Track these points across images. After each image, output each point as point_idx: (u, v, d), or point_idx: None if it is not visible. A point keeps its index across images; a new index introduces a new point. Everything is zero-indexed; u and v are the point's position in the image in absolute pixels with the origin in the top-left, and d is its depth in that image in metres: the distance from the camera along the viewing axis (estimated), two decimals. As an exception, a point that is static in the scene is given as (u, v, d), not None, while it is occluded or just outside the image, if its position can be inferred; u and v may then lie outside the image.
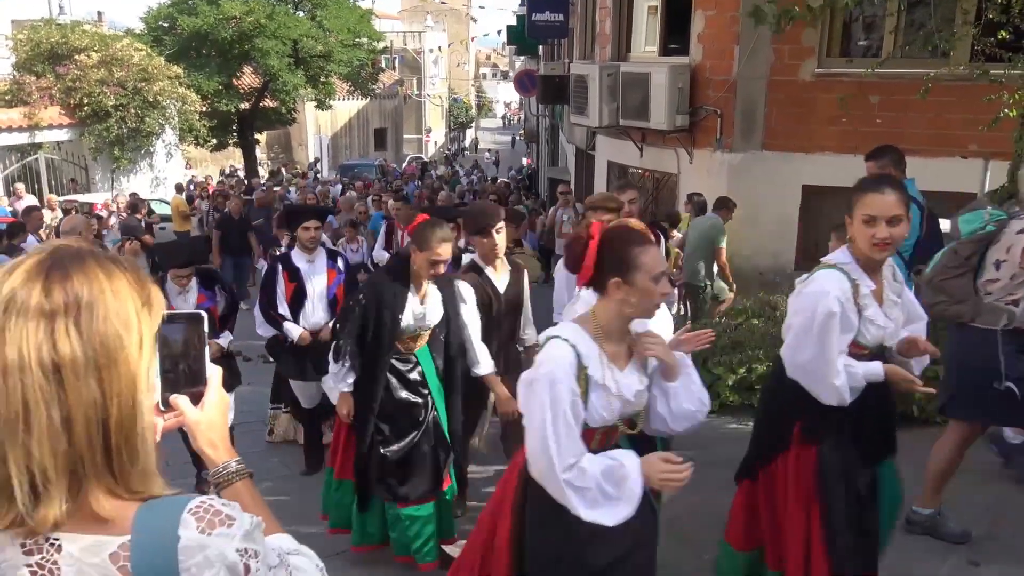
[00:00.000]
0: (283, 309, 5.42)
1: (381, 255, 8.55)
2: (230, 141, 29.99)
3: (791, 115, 8.77)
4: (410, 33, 51.26)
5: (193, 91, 22.99)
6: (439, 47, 49.82)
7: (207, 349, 1.26)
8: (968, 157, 7.91)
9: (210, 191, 19.57)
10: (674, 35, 10.03)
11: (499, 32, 27.53)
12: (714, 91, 9.10)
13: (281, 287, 5.42)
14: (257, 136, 31.92)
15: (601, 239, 2.37)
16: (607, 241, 2.37)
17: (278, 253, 6.99)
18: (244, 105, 28.83)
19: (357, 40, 30.38)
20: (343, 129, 43.08)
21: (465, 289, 4.11)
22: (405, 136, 49.00)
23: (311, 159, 38.15)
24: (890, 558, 3.20)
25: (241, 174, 29.20)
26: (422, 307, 3.95)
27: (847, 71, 8.34)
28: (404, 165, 36.50)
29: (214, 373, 1.27)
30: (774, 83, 8.81)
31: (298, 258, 5.48)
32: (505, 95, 73.00)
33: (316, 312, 5.47)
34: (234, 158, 33.50)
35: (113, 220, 13.50)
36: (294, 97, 28.85)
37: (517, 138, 52.73)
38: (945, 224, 5.91)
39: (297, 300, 5.42)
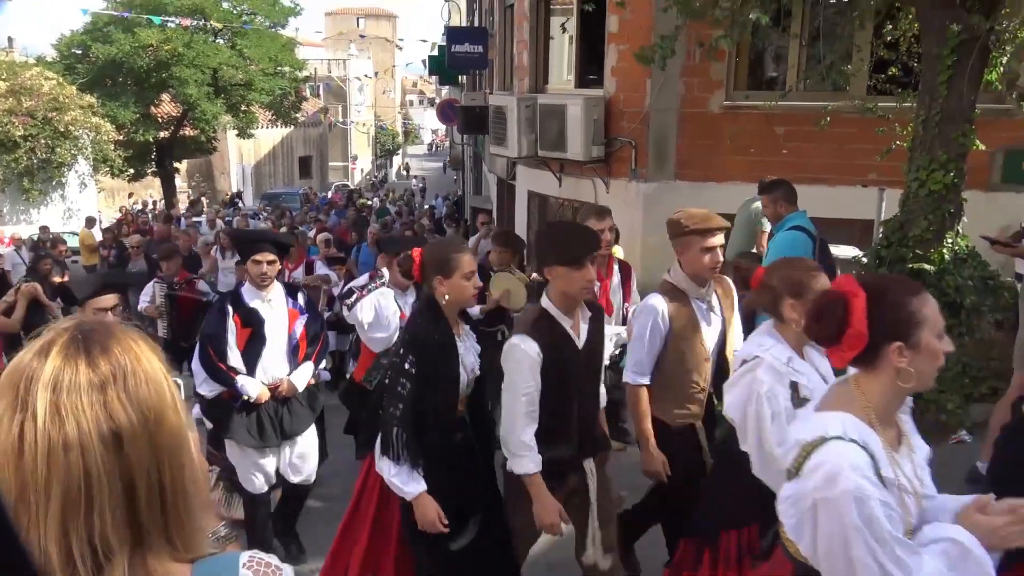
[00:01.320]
0: (235, 360, 4.41)
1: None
2: (148, 171, 29.27)
3: (701, 146, 9.03)
4: (335, 61, 51.04)
5: (108, 120, 22.43)
6: (364, 75, 49.68)
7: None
8: (867, 185, 8.26)
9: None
10: (592, 66, 10.24)
11: (423, 62, 27.62)
12: (628, 122, 9.31)
13: (232, 333, 4.42)
14: (177, 165, 31.25)
15: (870, 293, 1.83)
16: (879, 295, 1.83)
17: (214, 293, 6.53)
18: (163, 134, 28.23)
19: (279, 68, 30.10)
20: (267, 157, 42.48)
21: (521, 353, 2.99)
22: (331, 164, 48.60)
23: (234, 188, 37.48)
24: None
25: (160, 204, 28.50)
26: (470, 357, 3.25)
27: (753, 104, 8.65)
28: (330, 193, 36.14)
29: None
30: (685, 115, 9.07)
31: (251, 296, 4.47)
32: (432, 122, 73.19)
33: (276, 363, 4.51)
34: (153, 188, 32.70)
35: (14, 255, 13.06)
36: (214, 126, 28.35)
37: (447, 164, 52.91)
38: (833, 251, 6.19)
39: (252, 349, 4.45)
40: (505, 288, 5.40)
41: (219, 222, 18.08)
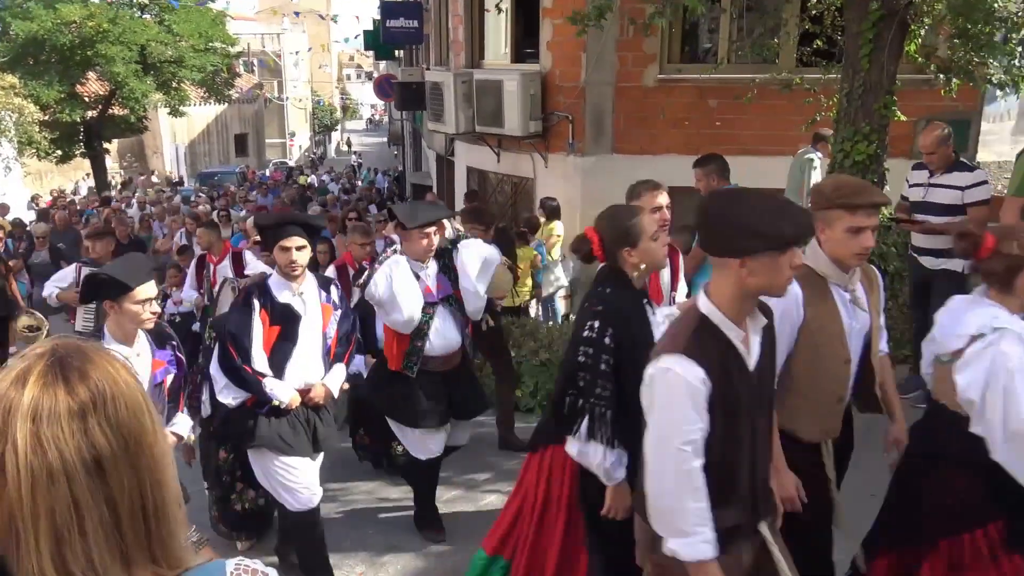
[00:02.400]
0: (261, 363, 3.90)
1: (190, 295, 7.27)
2: (76, 152, 28.27)
3: (637, 119, 9.14)
4: (268, 35, 49.86)
5: (32, 101, 21.59)
6: (298, 51, 48.69)
7: None
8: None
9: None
10: (528, 40, 10.24)
11: (356, 37, 27.20)
12: (564, 97, 9.36)
13: (258, 332, 3.90)
14: (107, 145, 30.25)
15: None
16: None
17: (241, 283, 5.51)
18: (90, 114, 27.27)
19: (210, 44, 29.27)
20: (201, 136, 41.41)
21: (677, 381, 2.16)
22: (268, 141, 47.60)
23: (167, 168, 36.54)
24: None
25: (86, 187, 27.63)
26: (661, 328, 2.85)
27: (686, 76, 8.78)
28: (270, 171, 35.46)
29: None
30: (620, 89, 9.16)
31: (279, 289, 3.96)
32: (371, 97, 72.11)
33: (308, 366, 4.02)
34: (83, 169, 31.68)
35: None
36: (144, 104, 27.48)
37: (389, 140, 52.30)
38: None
39: (281, 350, 3.95)
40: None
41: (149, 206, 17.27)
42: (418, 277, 4.32)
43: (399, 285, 4.20)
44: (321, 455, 4.22)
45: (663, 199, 4.00)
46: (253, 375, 3.86)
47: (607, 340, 2.76)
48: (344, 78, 74.14)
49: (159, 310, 3.47)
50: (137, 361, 3.39)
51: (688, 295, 5.51)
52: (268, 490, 4.10)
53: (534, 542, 3.29)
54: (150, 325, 3.43)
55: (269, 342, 3.92)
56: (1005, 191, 8.79)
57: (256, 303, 3.91)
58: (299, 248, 3.88)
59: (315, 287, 4.04)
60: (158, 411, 3.01)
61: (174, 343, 3.65)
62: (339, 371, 4.16)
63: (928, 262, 5.52)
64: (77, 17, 24.35)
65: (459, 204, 11.95)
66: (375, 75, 31.45)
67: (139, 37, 26.02)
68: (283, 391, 3.91)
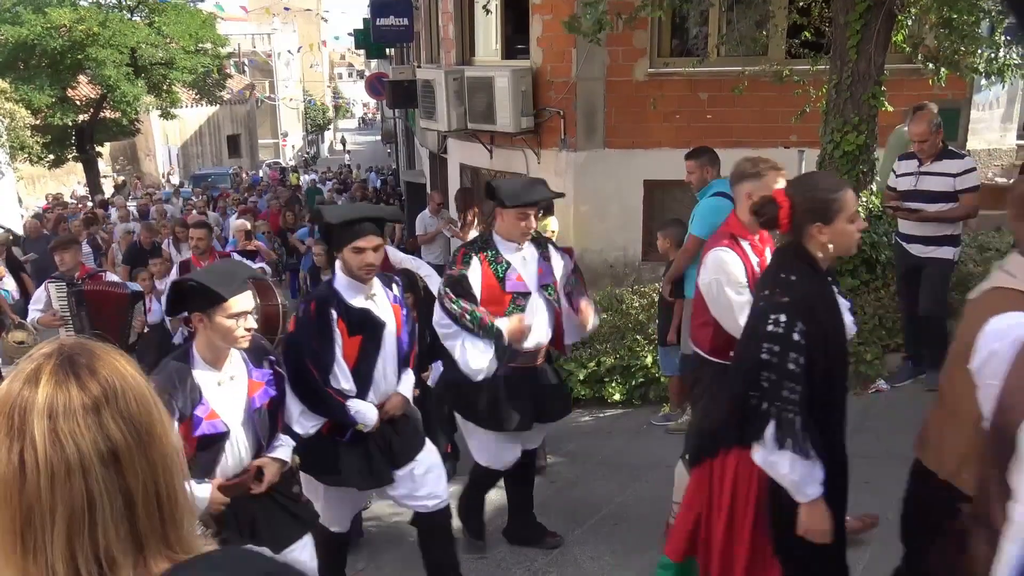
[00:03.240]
0: (345, 380, 3.47)
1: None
2: (69, 156, 28.23)
3: (629, 114, 9.17)
4: (259, 35, 49.73)
5: (23, 106, 21.56)
6: (288, 50, 48.60)
7: None
8: (789, 147, 8.51)
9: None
10: (518, 36, 10.26)
11: (349, 34, 27.18)
12: (556, 93, 9.38)
13: (339, 347, 3.45)
14: (99, 149, 30.21)
15: None
16: None
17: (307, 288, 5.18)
18: (82, 118, 27.24)
19: (200, 46, 29.23)
20: (193, 137, 41.35)
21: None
22: (261, 141, 47.56)
23: (161, 170, 36.47)
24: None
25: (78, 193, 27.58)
26: (848, 316, 2.78)
27: (677, 70, 8.80)
28: (261, 172, 35.39)
29: None
30: (611, 84, 9.18)
31: (351, 293, 3.48)
32: (363, 95, 72.06)
33: (389, 377, 3.62)
34: (76, 174, 31.62)
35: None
36: (136, 107, 27.44)
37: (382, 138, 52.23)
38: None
39: (366, 362, 3.51)
40: None
41: (150, 210, 16.98)
42: (508, 265, 3.89)
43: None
44: (428, 454, 3.80)
45: (783, 183, 3.42)
46: (335, 397, 3.44)
47: (796, 336, 2.46)
48: (336, 77, 74.04)
49: (255, 325, 3.00)
50: (231, 386, 2.99)
51: (682, 289, 5.55)
52: (321, 508, 3.61)
53: (724, 543, 2.92)
54: (245, 344, 2.94)
55: (351, 356, 3.47)
56: (996, 178, 8.86)
57: (333, 313, 3.42)
58: (375, 248, 3.42)
59: (381, 287, 3.60)
60: (262, 436, 3.11)
61: (271, 358, 3.18)
62: (409, 377, 3.78)
63: (917, 250, 5.54)
64: (67, 21, 24.34)
65: (452, 201, 11.97)
66: (367, 73, 31.41)
67: (129, 40, 26.00)
68: (368, 413, 3.49)
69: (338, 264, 3.53)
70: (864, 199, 6.33)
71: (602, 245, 9.33)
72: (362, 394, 3.50)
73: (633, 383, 6.34)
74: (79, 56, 25.16)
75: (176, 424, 2.73)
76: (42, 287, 6.29)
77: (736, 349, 2.86)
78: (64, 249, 6.29)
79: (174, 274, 7.04)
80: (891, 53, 6.32)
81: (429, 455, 3.75)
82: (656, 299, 6.45)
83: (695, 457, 3.02)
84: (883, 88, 6.06)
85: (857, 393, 5.77)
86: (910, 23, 6.27)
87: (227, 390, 3.00)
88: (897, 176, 5.65)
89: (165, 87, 28.78)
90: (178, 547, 1.14)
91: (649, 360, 6.36)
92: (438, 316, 3.86)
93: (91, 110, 27.62)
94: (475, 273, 3.82)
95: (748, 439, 2.59)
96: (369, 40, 17.41)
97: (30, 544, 1.05)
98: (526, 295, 3.88)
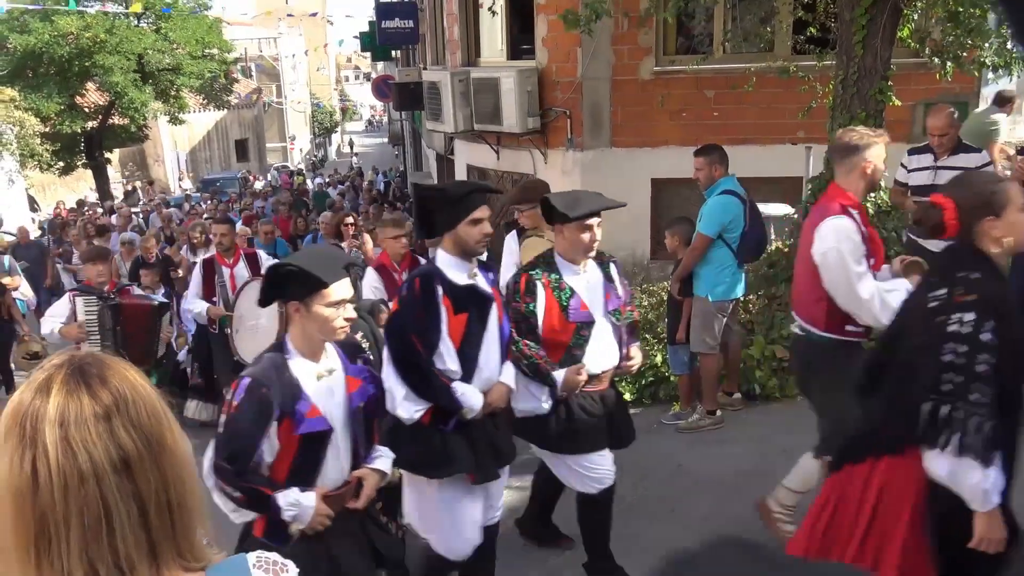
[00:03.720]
0: (451, 361, 3.27)
1: (198, 306, 6.71)
2: (78, 163, 28.41)
3: (635, 112, 9.17)
4: (265, 40, 49.87)
5: (32, 113, 21.71)
6: (294, 53, 48.74)
7: None
8: (796, 143, 8.49)
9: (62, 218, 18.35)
10: (523, 36, 10.27)
11: (355, 37, 27.26)
12: (562, 92, 9.38)
13: (445, 324, 3.25)
14: (108, 155, 30.38)
15: None
16: None
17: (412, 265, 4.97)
18: (91, 124, 27.40)
19: (207, 51, 29.35)
20: (202, 142, 41.49)
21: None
22: (268, 145, 47.68)
23: (170, 176, 36.62)
24: None
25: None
26: None
27: (682, 68, 8.79)
28: (272, 176, 35.45)
29: None
30: (617, 83, 9.18)
31: (455, 271, 3.30)
32: (370, 97, 72.15)
33: (492, 362, 3.40)
34: (86, 180, 31.80)
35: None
36: (144, 113, 27.59)
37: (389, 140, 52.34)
38: (766, 208, 6.39)
39: (472, 342, 3.31)
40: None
41: (153, 217, 16.85)
42: (572, 292, 3.56)
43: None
44: (506, 471, 3.61)
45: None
46: (440, 378, 3.24)
47: (986, 335, 2.35)
48: (342, 80, 74.19)
49: (354, 315, 2.80)
50: (329, 381, 2.75)
51: (691, 287, 5.55)
52: (418, 524, 3.49)
53: (873, 549, 2.75)
54: (342, 335, 2.74)
55: (456, 335, 3.26)
56: (1005, 171, 8.80)
57: (439, 289, 3.22)
58: (489, 219, 3.31)
59: (479, 269, 3.40)
60: (360, 442, 2.84)
61: (365, 355, 3.00)
62: (511, 368, 3.52)
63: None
64: (74, 29, 24.47)
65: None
66: (373, 76, 31.47)
67: (136, 46, 26.14)
68: (473, 398, 3.27)
69: (443, 244, 3.35)
70: (872, 195, 6.31)
71: (610, 244, 9.18)
72: (466, 378, 3.28)
73: (643, 382, 6.33)
74: (87, 63, 25.31)
75: (275, 424, 2.60)
76: (65, 298, 5.91)
77: (897, 352, 2.70)
78: (98, 261, 5.90)
79: (197, 273, 6.83)
80: (897, 48, 6.29)
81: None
82: (665, 298, 6.44)
83: (839, 460, 2.87)
84: (890, 83, 6.04)
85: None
86: (916, 17, 6.25)
87: (326, 385, 2.73)
88: (909, 171, 5.61)
89: (173, 93, 28.92)
90: (190, 556, 1.15)
91: (659, 359, 6.35)
92: None
93: (100, 117, 27.78)
94: (540, 304, 3.54)
95: (924, 445, 2.45)
96: (375, 43, 17.45)
97: (44, 552, 1.06)
98: (590, 324, 3.60)
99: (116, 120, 28.12)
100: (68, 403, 1.08)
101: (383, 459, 2.93)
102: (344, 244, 7.89)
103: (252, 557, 1.21)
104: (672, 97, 8.85)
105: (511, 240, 5.20)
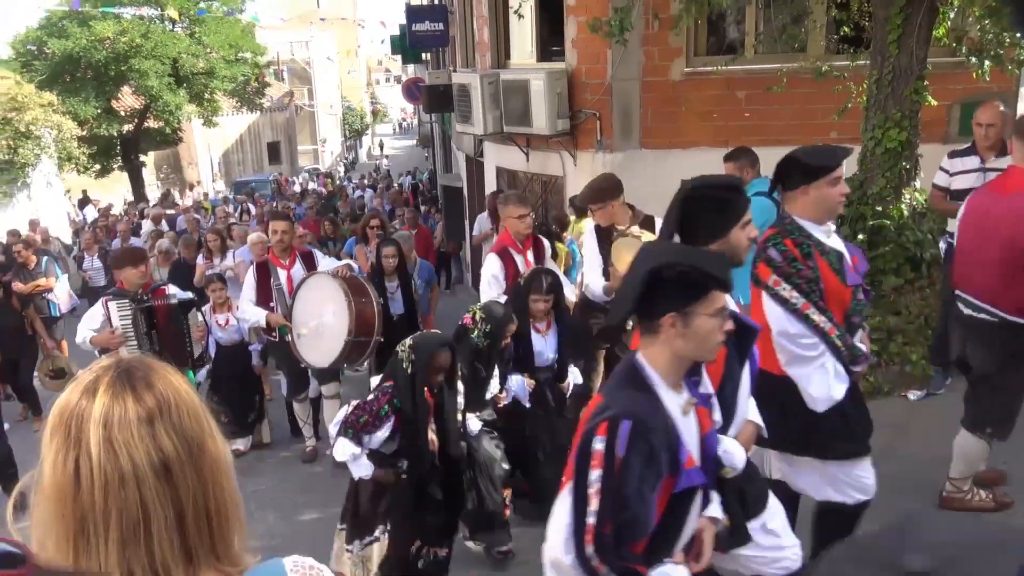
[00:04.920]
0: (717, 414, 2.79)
1: (255, 313, 6.16)
2: (114, 166, 28.93)
3: (665, 114, 9.11)
4: (297, 43, 50.34)
5: (70, 116, 22.13)
6: (327, 57, 49.14)
7: None
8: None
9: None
10: (553, 39, 10.25)
11: (382, 41, 27.43)
12: (591, 94, 9.35)
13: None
14: (143, 158, 30.90)
15: None
16: None
17: None
18: (126, 128, 27.88)
19: (240, 55, 29.73)
20: (235, 145, 42.02)
21: None
22: (300, 148, 48.15)
23: (204, 178, 37.09)
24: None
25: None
26: None
27: (714, 69, 8.72)
28: (303, 179, 35.75)
29: None
30: (647, 84, 9.13)
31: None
32: (400, 100, 72.52)
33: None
34: (122, 183, 32.34)
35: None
36: (178, 116, 28.02)
37: (418, 142, 52.54)
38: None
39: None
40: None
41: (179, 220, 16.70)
42: (839, 254, 3.19)
43: None
44: None
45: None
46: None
47: None
48: (373, 83, 74.66)
49: (732, 327, 2.31)
50: (691, 417, 2.24)
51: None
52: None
53: None
54: (713, 356, 2.26)
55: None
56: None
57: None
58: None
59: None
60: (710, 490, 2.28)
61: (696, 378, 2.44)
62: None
63: None
64: (111, 33, 24.92)
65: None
66: (404, 79, 31.62)
67: (171, 50, 26.56)
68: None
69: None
70: (908, 196, 6.21)
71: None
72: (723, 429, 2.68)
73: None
74: (123, 67, 25.76)
75: (656, 485, 2.07)
76: (99, 304, 5.61)
77: None
78: (133, 264, 5.56)
79: (250, 278, 6.23)
80: (933, 47, 6.19)
81: None
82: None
83: None
84: (926, 83, 5.94)
85: (901, 394, 5.66)
86: (952, 15, 6.14)
87: (690, 423, 2.23)
88: (951, 175, 5.39)
89: (206, 96, 29.33)
90: (227, 561, 1.16)
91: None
92: (797, 330, 3.07)
93: (135, 120, 28.26)
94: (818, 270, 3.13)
95: None
96: (405, 45, 17.52)
97: (83, 551, 1.07)
98: (859, 288, 3.24)
99: (151, 123, 28.59)
100: (113, 405, 1.10)
101: (715, 504, 2.41)
102: (369, 247, 7.88)
103: (289, 562, 1.21)
104: (703, 98, 8.78)
105: (590, 239, 5.00)
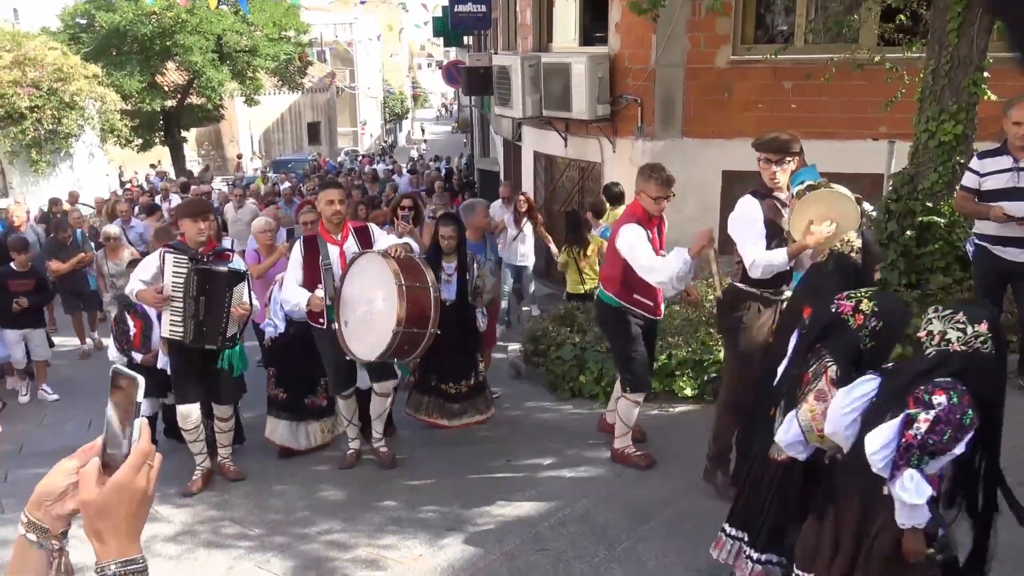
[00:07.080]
0: None
1: (299, 295, 5.17)
2: (156, 140, 29.26)
3: (709, 102, 8.90)
4: (341, 24, 50.50)
5: (115, 90, 22.38)
6: (369, 38, 49.22)
7: (138, 418, 1.10)
8: (877, 139, 8.13)
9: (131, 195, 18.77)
10: (596, 23, 10.08)
11: (425, 23, 27.38)
12: (633, 80, 9.17)
13: None
14: (185, 134, 31.23)
15: None
16: None
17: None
18: (169, 103, 28.18)
19: (283, 33, 29.89)
20: (275, 124, 42.32)
21: None
22: (340, 129, 48.36)
23: (245, 156, 37.40)
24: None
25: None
26: None
27: (760, 57, 8.50)
28: (361, 159, 35.77)
29: (139, 449, 1.10)
30: (691, 71, 8.93)
31: None
32: (440, 85, 72.57)
33: None
34: (163, 157, 32.73)
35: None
36: (220, 93, 28.26)
37: (455, 127, 52.54)
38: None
39: None
40: (828, 214, 3.73)
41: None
42: None
43: None
44: None
45: None
46: None
47: None
48: (415, 67, 74.74)
49: None
50: None
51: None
52: None
53: None
54: None
55: None
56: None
57: None
58: None
59: None
60: None
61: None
62: None
63: (1012, 254, 5.05)
64: (157, 8, 25.14)
65: (527, 190, 11.89)
66: (445, 63, 31.56)
67: (216, 27, 26.77)
68: None
69: None
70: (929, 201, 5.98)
71: (677, 236, 9.02)
72: None
73: (705, 377, 6.13)
74: (168, 42, 26.03)
75: None
76: (156, 254, 5.07)
77: None
78: (197, 216, 4.99)
79: (296, 254, 5.30)
80: (994, 40, 5.92)
81: None
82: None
83: None
84: (985, 74, 5.69)
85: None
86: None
87: None
88: (982, 176, 5.09)
89: (249, 74, 29.53)
90: None
91: (722, 354, 6.13)
92: None
93: (178, 96, 28.53)
94: None
95: None
96: (447, 27, 17.44)
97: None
98: None
99: (194, 99, 28.85)
100: None
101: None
102: (398, 229, 7.37)
103: None
104: (748, 87, 8.56)
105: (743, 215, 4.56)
